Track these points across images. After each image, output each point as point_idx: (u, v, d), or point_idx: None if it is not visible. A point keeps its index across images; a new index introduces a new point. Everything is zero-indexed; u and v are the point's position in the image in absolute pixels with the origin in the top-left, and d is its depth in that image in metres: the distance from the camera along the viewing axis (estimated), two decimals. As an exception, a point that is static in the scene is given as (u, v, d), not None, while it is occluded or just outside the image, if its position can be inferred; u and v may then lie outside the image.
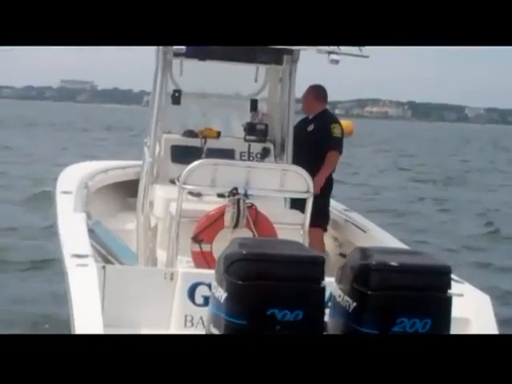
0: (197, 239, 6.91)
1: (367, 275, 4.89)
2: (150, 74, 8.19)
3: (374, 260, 4.95)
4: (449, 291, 5.01)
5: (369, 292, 4.85)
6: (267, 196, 7.27)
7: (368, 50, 7.17)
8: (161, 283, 6.29)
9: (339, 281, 5.14)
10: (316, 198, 7.48)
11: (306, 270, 4.90)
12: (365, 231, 8.25)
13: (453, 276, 6.28)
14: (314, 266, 4.95)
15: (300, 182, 7.06)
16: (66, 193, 8.32)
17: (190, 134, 8.56)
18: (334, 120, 8.62)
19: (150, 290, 6.21)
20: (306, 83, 8.83)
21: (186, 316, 6.21)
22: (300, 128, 8.53)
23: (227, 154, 8.25)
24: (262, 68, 8.64)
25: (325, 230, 8.49)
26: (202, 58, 7.87)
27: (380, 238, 7.95)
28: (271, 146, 8.50)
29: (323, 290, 4.93)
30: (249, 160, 8.30)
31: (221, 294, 4.91)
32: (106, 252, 7.50)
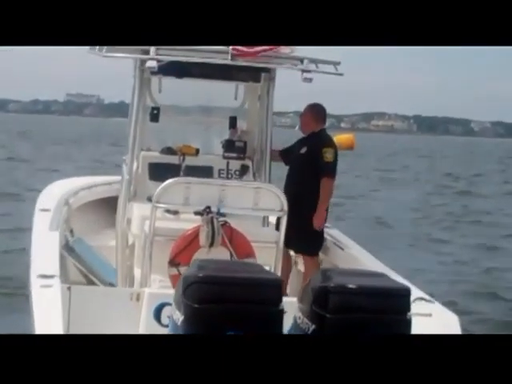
0: (173, 263, 6.82)
1: (326, 298, 4.84)
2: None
3: (332, 282, 4.90)
4: (408, 313, 4.94)
5: (327, 315, 4.81)
6: (244, 214, 7.24)
7: (344, 67, 7.31)
8: (127, 304, 6.27)
9: (300, 302, 5.10)
10: (312, 227, 7.78)
11: (263, 293, 4.87)
12: (342, 249, 8.21)
13: (423, 295, 6.45)
14: (271, 289, 4.92)
15: (274, 200, 7.04)
16: (44, 210, 8.27)
17: (169, 151, 8.51)
18: (327, 143, 8.25)
19: (117, 310, 6.17)
20: (309, 97, 8.81)
21: None
22: (295, 149, 8.41)
23: (205, 171, 8.22)
24: (242, 86, 8.66)
25: (317, 255, 8.32)
26: (180, 75, 7.90)
27: (357, 255, 7.91)
28: (250, 164, 8.46)
29: (281, 312, 4.90)
30: (227, 177, 8.30)
31: (178, 316, 4.90)
32: (87, 270, 7.55)
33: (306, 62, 7.20)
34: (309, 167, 8.07)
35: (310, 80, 7.18)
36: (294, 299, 5.25)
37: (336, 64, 7.36)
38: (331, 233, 8.61)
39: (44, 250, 6.99)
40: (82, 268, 7.55)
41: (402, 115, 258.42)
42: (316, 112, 8.36)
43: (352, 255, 7.90)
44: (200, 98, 8.90)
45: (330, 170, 8.10)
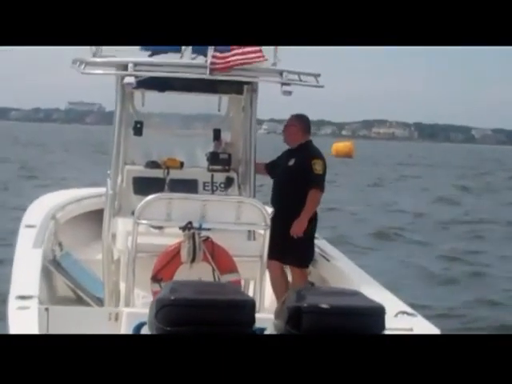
0: (156, 278, 6.84)
1: (299, 317, 4.84)
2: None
3: (306, 302, 4.91)
4: (383, 332, 4.93)
5: (299, 334, 4.81)
6: (227, 229, 7.24)
7: (324, 80, 7.32)
8: (106, 324, 6.28)
9: (276, 319, 5.11)
10: (302, 238, 7.75)
11: (235, 315, 4.87)
12: (329, 260, 8.18)
13: (406, 308, 6.47)
14: (244, 310, 4.92)
15: (256, 214, 7.08)
16: (29, 226, 8.27)
17: (153, 164, 8.48)
18: (316, 155, 8.13)
19: (96, 330, 6.04)
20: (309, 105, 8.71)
21: None
22: (282, 161, 8.32)
23: (190, 184, 8.21)
24: (226, 97, 8.63)
25: (307, 267, 8.22)
26: (162, 89, 7.95)
27: (344, 268, 7.89)
28: (235, 176, 8.43)
29: (254, 334, 4.92)
30: (212, 190, 8.28)
31: None
32: (74, 285, 7.60)
33: (285, 74, 7.23)
34: (298, 179, 7.95)
35: (289, 93, 7.23)
36: (271, 316, 5.28)
37: (316, 76, 7.40)
38: (319, 244, 8.57)
39: (25, 269, 6.98)
40: (69, 283, 7.59)
41: (402, 122, 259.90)
42: (303, 123, 8.24)
43: (339, 267, 7.89)
44: (183, 111, 8.95)
45: (320, 181, 7.99)
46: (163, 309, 4.80)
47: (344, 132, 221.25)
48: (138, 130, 8.33)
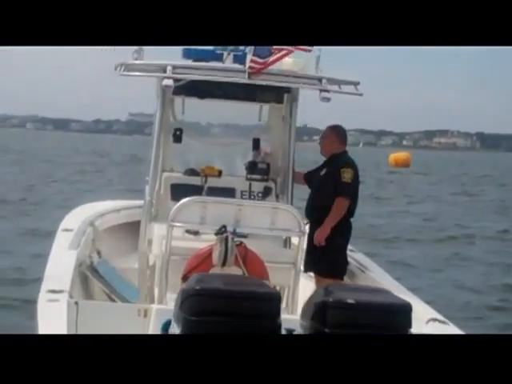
0: (186, 278, 6.64)
1: (324, 313, 4.77)
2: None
3: (332, 297, 4.83)
4: (409, 330, 4.85)
5: (326, 330, 4.74)
6: (261, 234, 7.23)
7: (363, 88, 7.30)
8: (135, 320, 6.27)
9: (302, 317, 5.05)
10: (332, 247, 7.60)
11: (261, 307, 4.81)
12: (364, 271, 8.08)
13: (438, 316, 6.41)
14: (269, 303, 4.86)
15: (291, 220, 7.03)
16: (66, 230, 8.32)
17: (192, 172, 8.53)
18: (346, 164, 7.96)
19: (124, 326, 6.12)
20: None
21: None
22: (317, 172, 8.22)
23: (228, 192, 8.22)
24: (266, 107, 8.62)
25: (341, 279, 7.92)
26: (202, 96, 7.98)
27: (377, 278, 7.76)
28: (273, 185, 8.41)
29: (279, 326, 4.85)
30: (250, 199, 8.24)
31: (175, 330, 4.87)
32: (110, 291, 7.56)
33: (324, 81, 7.23)
34: (328, 188, 7.85)
35: (328, 100, 7.21)
36: (297, 317, 5.21)
37: (356, 84, 7.40)
38: (355, 256, 8.47)
39: (59, 267, 7.02)
40: (104, 289, 7.60)
41: (464, 132, 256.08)
42: (339, 134, 8.13)
43: (374, 279, 7.73)
44: (224, 120, 8.99)
45: (347, 190, 7.83)
46: (188, 299, 4.75)
47: (405, 142, 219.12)
48: (177, 137, 8.37)
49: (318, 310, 4.81)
